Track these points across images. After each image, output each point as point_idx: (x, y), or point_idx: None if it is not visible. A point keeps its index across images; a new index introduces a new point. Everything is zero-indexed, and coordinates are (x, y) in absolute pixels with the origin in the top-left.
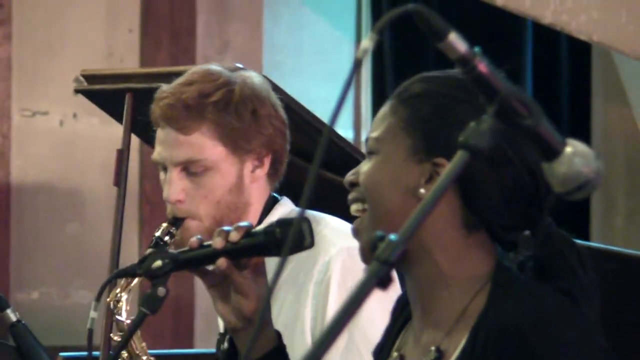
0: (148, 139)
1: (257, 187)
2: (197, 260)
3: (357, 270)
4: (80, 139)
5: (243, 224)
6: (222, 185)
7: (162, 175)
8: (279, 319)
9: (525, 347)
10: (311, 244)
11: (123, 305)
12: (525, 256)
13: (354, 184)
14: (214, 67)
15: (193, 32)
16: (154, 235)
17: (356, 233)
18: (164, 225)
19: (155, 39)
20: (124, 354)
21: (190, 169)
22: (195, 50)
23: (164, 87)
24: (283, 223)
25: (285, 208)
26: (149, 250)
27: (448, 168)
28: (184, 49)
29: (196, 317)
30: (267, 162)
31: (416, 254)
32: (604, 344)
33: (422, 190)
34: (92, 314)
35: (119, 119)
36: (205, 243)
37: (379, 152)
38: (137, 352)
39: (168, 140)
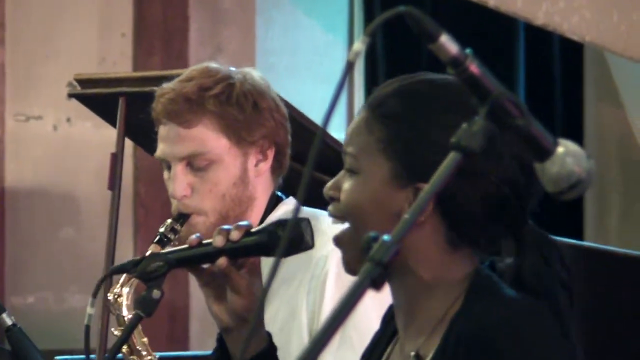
0: (142, 143)
1: (262, 182)
2: (196, 258)
3: None
4: (74, 143)
5: (243, 223)
6: (226, 178)
7: (165, 174)
8: (278, 316)
9: (493, 352)
10: (311, 246)
11: (124, 299)
12: (508, 260)
13: (333, 199)
14: (213, 64)
15: (186, 37)
16: (159, 232)
17: (338, 243)
18: (169, 221)
19: (148, 43)
20: (125, 348)
21: (194, 163)
22: (188, 54)
23: (164, 85)
24: (285, 223)
25: (289, 207)
26: (153, 246)
27: (440, 169)
28: (177, 53)
29: (191, 320)
30: (270, 155)
31: (399, 268)
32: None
33: (407, 216)
34: (89, 309)
35: (112, 122)
36: (205, 241)
37: (359, 172)
38: (138, 347)
39: (170, 136)
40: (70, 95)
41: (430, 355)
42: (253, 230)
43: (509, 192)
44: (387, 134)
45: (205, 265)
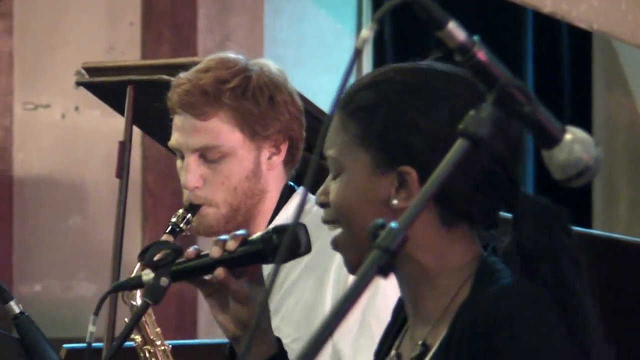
0: (150, 131)
1: (274, 175)
2: (195, 271)
3: None
4: (82, 132)
5: (239, 232)
6: (239, 171)
7: (178, 163)
8: (297, 307)
9: (491, 343)
10: (307, 250)
11: (137, 290)
12: (509, 239)
13: (324, 204)
14: (231, 55)
15: (194, 26)
16: (170, 222)
17: (336, 247)
18: (180, 211)
19: (157, 32)
20: (138, 338)
21: (208, 155)
22: (197, 43)
23: (181, 74)
24: (280, 229)
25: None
26: (165, 236)
27: (448, 156)
28: (185, 42)
29: (199, 309)
30: (283, 149)
31: (400, 257)
32: (575, 349)
33: (395, 201)
34: (91, 327)
35: (120, 111)
36: (203, 253)
37: (342, 172)
38: (152, 337)
39: (185, 127)
40: (79, 84)
41: (437, 344)
42: (250, 238)
43: (496, 168)
44: (361, 127)
45: (207, 277)
